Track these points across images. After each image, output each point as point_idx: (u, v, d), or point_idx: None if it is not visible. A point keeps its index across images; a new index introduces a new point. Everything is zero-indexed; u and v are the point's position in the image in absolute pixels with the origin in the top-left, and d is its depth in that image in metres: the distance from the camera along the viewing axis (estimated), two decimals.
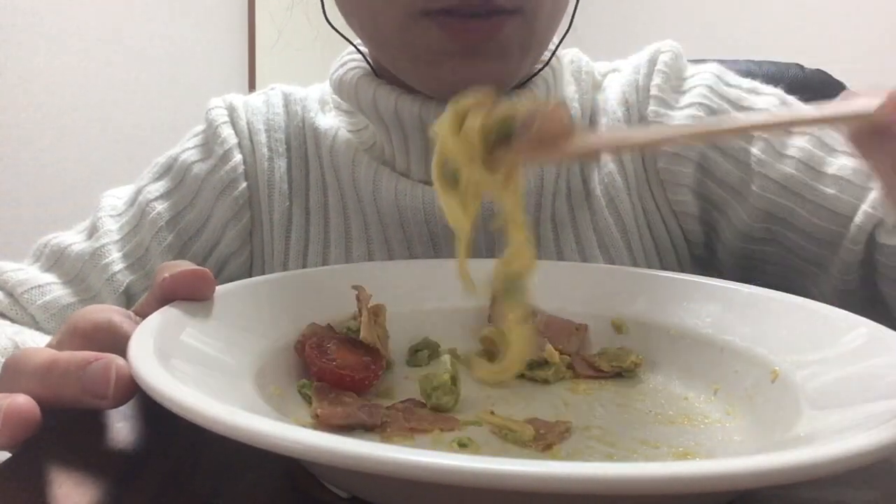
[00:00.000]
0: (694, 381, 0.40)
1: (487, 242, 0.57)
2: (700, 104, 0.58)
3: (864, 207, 0.52)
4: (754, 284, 0.44)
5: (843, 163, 0.54)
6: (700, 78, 0.60)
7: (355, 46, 0.60)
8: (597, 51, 0.66)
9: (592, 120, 0.61)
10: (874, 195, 0.52)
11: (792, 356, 0.37)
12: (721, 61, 0.63)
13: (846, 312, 0.39)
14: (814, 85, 0.90)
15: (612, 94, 0.62)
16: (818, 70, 0.92)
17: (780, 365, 0.37)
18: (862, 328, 0.37)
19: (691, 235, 0.60)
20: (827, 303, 0.40)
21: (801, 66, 0.92)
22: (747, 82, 0.61)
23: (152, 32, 1.93)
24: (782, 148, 0.56)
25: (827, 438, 0.28)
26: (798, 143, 0.56)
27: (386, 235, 0.58)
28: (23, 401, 0.30)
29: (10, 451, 0.32)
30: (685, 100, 0.59)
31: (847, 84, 0.89)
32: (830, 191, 0.54)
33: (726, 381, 0.39)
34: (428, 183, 0.56)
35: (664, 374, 0.42)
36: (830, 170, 0.54)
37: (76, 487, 0.29)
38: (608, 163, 0.59)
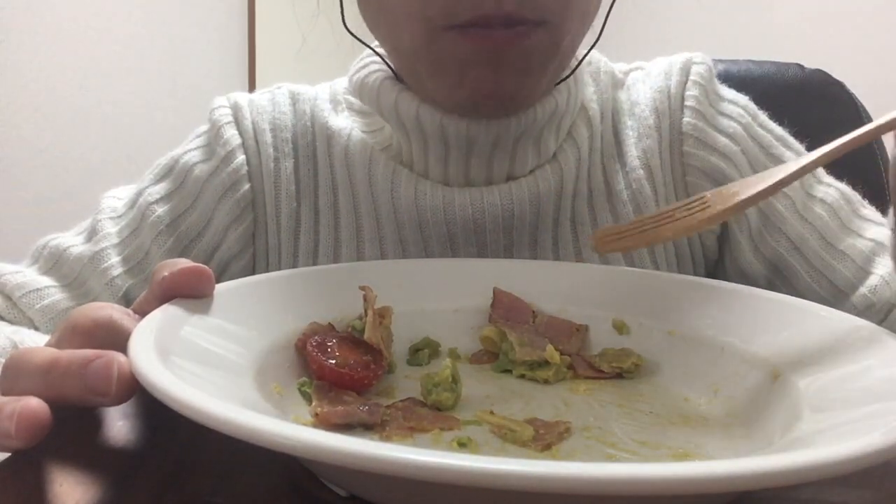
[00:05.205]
0: (694, 382, 0.40)
1: (506, 242, 0.57)
2: (736, 140, 0.59)
3: (863, 290, 0.56)
4: None
5: (852, 242, 0.57)
6: (736, 111, 0.61)
7: (373, 50, 0.60)
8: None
9: (614, 119, 0.62)
10: (875, 280, 0.55)
11: (792, 357, 0.37)
12: (721, 61, 0.63)
13: (846, 314, 0.39)
14: (814, 85, 0.89)
15: (642, 98, 0.62)
16: (818, 70, 0.91)
17: (780, 366, 0.37)
18: (862, 330, 0.37)
19: (709, 252, 0.62)
20: None
21: (801, 66, 0.92)
22: (779, 129, 0.62)
23: (152, 32, 1.93)
24: (804, 211, 0.59)
25: (827, 441, 0.28)
26: (817, 211, 0.58)
27: (401, 236, 0.58)
28: (35, 404, 0.30)
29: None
30: (722, 124, 0.60)
31: (847, 84, 0.89)
32: (837, 265, 0.57)
33: (726, 381, 0.39)
34: (447, 184, 0.57)
35: (664, 374, 0.42)
36: (840, 245, 0.58)
37: (76, 485, 0.29)
38: (637, 168, 0.60)
